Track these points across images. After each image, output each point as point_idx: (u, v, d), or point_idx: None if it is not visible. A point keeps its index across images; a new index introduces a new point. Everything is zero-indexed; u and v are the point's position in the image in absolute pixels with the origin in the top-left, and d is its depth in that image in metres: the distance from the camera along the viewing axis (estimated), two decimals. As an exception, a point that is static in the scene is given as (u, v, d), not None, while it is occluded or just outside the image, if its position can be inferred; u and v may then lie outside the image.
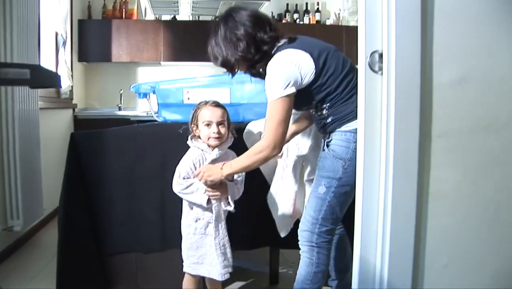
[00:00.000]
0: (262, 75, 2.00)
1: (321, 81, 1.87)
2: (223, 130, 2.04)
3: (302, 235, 1.98)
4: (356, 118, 1.59)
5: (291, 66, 1.85)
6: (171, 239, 2.31)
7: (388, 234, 1.37)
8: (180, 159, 2.10)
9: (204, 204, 2.01)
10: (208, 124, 2.03)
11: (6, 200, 3.16)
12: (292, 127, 2.15)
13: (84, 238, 2.43)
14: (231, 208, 2.05)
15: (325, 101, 1.91)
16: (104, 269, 2.50)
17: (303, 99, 1.92)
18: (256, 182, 2.30)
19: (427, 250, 1.41)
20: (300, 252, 2.00)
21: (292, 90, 1.83)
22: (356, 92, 1.78)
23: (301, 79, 1.85)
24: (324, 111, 1.92)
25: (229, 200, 2.05)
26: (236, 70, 2.04)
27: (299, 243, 2.00)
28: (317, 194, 1.93)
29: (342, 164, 1.86)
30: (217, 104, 2.08)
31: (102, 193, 2.42)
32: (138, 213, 2.41)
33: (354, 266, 1.45)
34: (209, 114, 2.03)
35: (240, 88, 2.52)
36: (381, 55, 1.37)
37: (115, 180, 2.41)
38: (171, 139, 2.36)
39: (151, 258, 2.46)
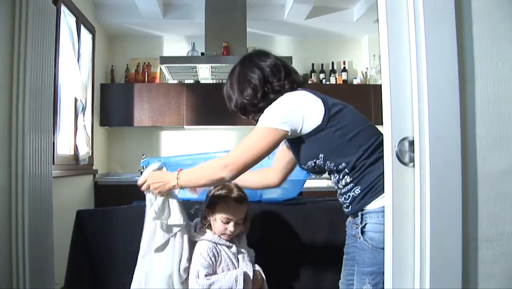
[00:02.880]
0: None
1: (330, 130, 1.65)
2: (238, 228, 1.88)
3: None
4: None
5: (295, 104, 1.69)
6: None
7: None
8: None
9: None
10: (227, 222, 1.84)
11: (13, 278, 2.98)
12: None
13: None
14: None
15: (339, 162, 1.66)
16: None
17: (308, 148, 1.71)
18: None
19: None
20: None
21: (286, 128, 1.64)
22: (382, 156, 1.56)
23: (302, 123, 1.65)
24: (348, 179, 1.66)
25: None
26: (247, 115, 1.86)
27: None
28: None
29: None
30: (241, 200, 1.89)
31: (109, 275, 2.27)
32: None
33: None
34: (231, 212, 1.85)
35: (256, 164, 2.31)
36: (412, 143, 1.12)
37: (123, 261, 2.22)
38: (182, 220, 2.17)
39: None
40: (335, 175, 1.72)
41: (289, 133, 1.65)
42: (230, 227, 1.83)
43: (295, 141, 1.72)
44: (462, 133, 1.08)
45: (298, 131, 1.66)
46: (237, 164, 1.64)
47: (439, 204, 1.06)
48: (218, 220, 1.85)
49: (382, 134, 1.69)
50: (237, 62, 1.87)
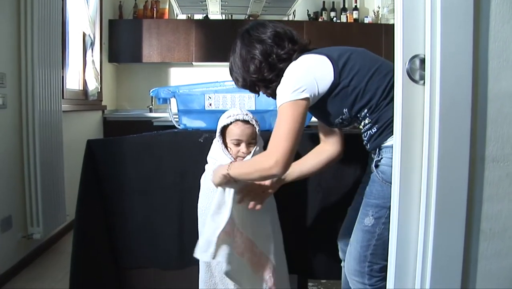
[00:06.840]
0: None
1: (344, 82, 1.62)
2: (252, 149, 1.90)
3: (351, 272, 1.70)
4: None
5: (303, 70, 1.64)
6: (190, 256, 2.12)
7: (428, 281, 1.11)
8: (201, 170, 2.00)
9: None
10: (238, 144, 1.89)
11: (26, 207, 3.09)
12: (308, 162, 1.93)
13: (100, 250, 2.32)
14: None
15: (361, 108, 1.65)
16: (120, 284, 2.38)
17: (331, 109, 1.68)
18: (286, 204, 2.11)
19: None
20: None
21: (305, 95, 1.57)
22: None
23: (317, 84, 1.61)
24: (367, 120, 1.65)
25: None
26: (258, 90, 1.83)
27: (350, 284, 1.73)
28: (364, 226, 1.64)
29: None
30: (247, 121, 1.90)
31: (118, 204, 2.30)
32: (156, 226, 2.28)
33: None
34: (238, 132, 1.88)
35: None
36: (423, 61, 1.10)
37: (132, 191, 2.28)
38: (191, 149, 2.21)
39: (170, 275, 2.31)
40: (358, 121, 1.72)
41: (310, 100, 1.61)
42: (242, 148, 1.88)
43: (317, 105, 1.68)
44: (474, 52, 1.06)
45: (317, 94, 1.62)
46: (284, 155, 1.54)
47: (448, 122, 1.06)
48: (229, 144, 1.90)
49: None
50: (236, 39, 1.82)
